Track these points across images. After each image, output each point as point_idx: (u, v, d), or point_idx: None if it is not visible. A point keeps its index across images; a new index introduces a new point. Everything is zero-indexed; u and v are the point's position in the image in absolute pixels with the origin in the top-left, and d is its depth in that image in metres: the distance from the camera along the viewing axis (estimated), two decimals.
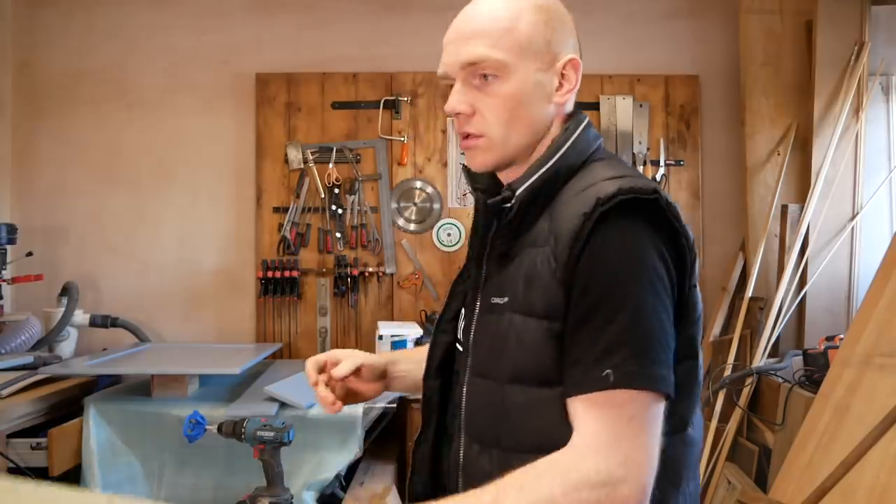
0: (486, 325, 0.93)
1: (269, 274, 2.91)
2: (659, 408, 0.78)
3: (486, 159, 0.93)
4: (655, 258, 0.80)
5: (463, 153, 0.96)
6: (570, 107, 0.96)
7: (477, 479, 0.85)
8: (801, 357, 2.38)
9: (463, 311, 1.01)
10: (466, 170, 1.00)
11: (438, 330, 1.06)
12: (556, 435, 0.80)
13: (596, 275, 0.79)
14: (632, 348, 0.76)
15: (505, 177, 0.97)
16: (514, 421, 0.86)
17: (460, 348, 1.00)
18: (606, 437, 0.75)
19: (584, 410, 0.78)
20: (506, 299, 0.88)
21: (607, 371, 0.75)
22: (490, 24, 0.89)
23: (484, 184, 1.00)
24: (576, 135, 0.92)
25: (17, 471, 2.04)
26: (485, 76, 0.89)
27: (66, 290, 2.76)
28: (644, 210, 0.80)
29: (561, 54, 0.91)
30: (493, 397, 0.89)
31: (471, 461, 0.93)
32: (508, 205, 0.90)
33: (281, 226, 2.97)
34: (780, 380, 2.41)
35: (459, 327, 1.02)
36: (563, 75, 0.91)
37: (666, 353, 0.79)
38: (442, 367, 1.04)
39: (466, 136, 0.92)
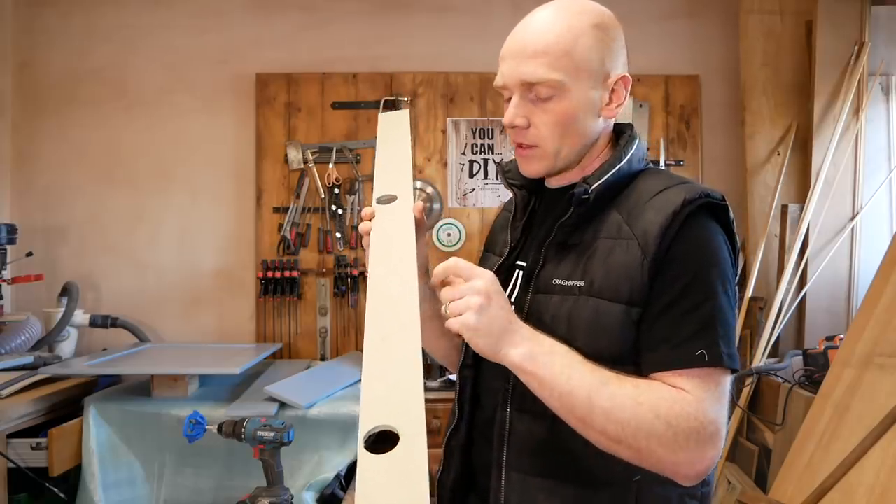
0: (543, 304, 0.95)
1: (269, 274, 2.91)
2: (729, 382, 0.89)
3: (539, 167, 0.99)
4: (727, 253, 0.92)
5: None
6: (616, 118, 1.02)
7: (525, 445, 0.93)
8: (801, 357, 2.38)
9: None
10: (501, 168, 1.10)
11: None
12: None
13: (685, 265, 0.88)
14: (717, 332, 0.86)
15: (558, 180, 1.03)
16: None
17: None
18: (708, 401, 0.84)
19: (680, 381, 0.85)
20: (579, 283, 0.92)
21: (701, 351, 0.85)
22: (551, 44, 0.91)
23: (521, 181, 1.06)
24: (636, 143, 1.01)
25: (17, 471, 2.04)
26: (541, 94, 0.93)
27: (66, 290, 2.76)
28: (715, 213, 0.93)
29: (613, 72, 0.95)
30: None
31: (519, 429, 0.95)
32: (586, 196, 0.94)
33: (281, 226, 2.97)
34: (780, 380, 2.41)
35: None
36: (613, 91, 0.96)
37: (735, 336, 0.91)
38: (475, 356, 1.04)
39: (521, 146, 0.98)
